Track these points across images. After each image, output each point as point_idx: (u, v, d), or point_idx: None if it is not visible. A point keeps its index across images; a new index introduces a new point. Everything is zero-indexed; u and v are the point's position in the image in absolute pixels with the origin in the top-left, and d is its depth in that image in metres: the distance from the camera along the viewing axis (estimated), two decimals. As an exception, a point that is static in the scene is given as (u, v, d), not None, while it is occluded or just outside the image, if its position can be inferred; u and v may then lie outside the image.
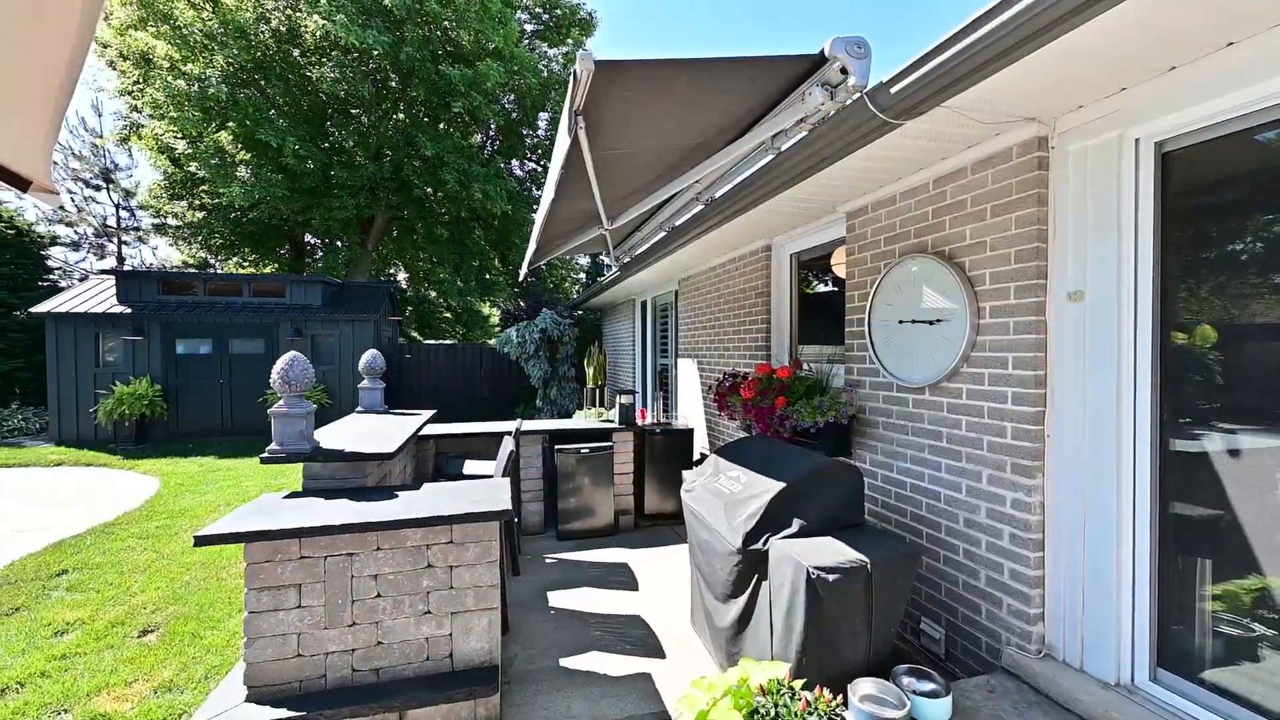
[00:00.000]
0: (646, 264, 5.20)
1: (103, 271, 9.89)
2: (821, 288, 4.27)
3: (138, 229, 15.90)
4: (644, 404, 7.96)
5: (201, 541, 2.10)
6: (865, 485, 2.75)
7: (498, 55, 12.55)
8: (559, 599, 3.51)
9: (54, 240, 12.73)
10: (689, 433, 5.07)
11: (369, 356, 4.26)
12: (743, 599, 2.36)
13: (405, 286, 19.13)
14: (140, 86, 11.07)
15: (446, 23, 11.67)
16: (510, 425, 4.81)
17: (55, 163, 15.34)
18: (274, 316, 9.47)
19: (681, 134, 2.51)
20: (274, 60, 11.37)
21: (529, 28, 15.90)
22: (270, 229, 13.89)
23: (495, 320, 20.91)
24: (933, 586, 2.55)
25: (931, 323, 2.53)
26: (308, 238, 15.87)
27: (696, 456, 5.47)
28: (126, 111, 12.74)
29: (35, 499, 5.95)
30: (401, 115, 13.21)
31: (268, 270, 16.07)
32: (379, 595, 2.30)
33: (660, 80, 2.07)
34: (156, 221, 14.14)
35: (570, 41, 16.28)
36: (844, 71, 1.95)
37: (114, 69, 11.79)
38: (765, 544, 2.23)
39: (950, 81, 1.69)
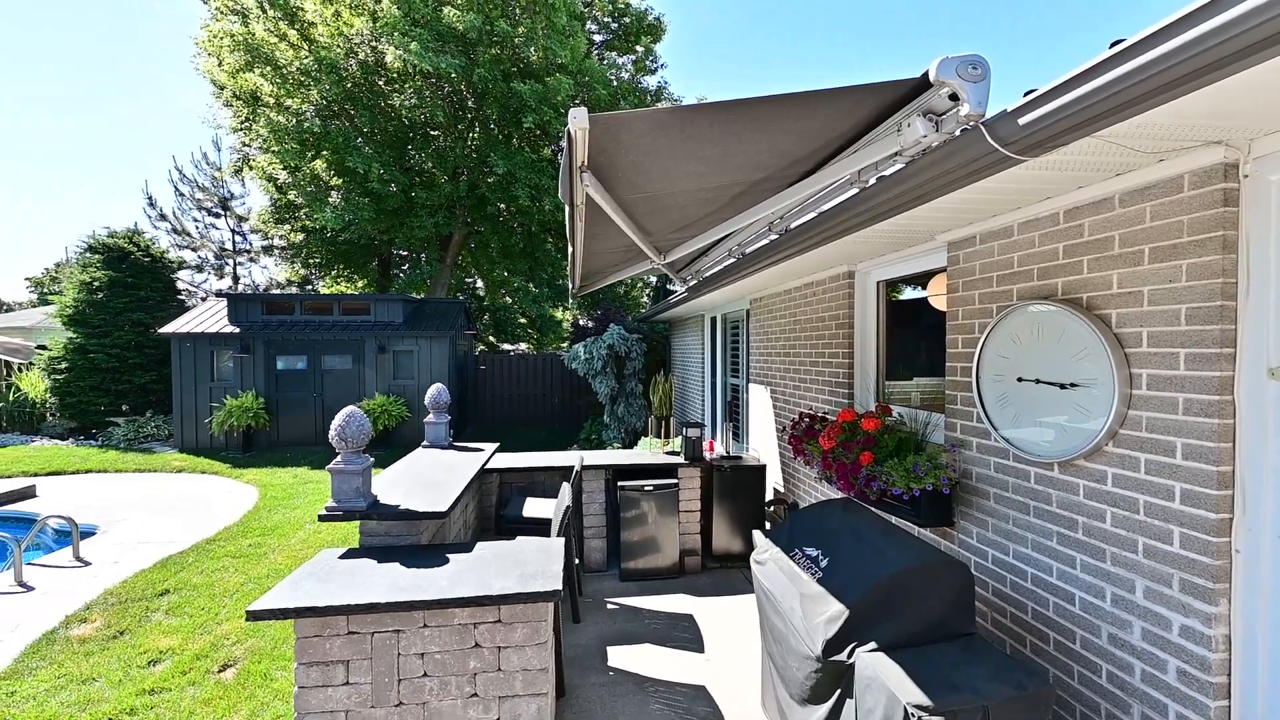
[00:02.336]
0: (714, 288, 4.89)
1: (217, 294, 10.97)
2: (913, 316, 3.79)
3: (249, 251, 17.67)
4: (712, 432, 7.64)
5: (254, 616, 2.08)
6: (973, 574, 2.32)
7: (566, 69, 12.65)
8: (619, 657, 3.30)
9: (181, 264, 14.41)
10: (761, 469, 4.71)
11: (434, 391, 4.28)
12: (823, 711, 2.03)
13: (483, 295, 19.89)
14: (249, 123, 12.20)
15: (517, 40, 11.89)
16: (573, 457, 4.68)
17: (182, 194, 17.43)
18: (360, 334, 10.05)
19: (735, 172, 2.22)
20: (361, 91, 12.12)
21: (597, 38, 15.97)
22: (360, 248, 14.89)
23: (568, 325, 21.31)
24: (1065, 708, 2.09)
25: (1064, 386, 2.07)
26: (394, 253, 16.88)
27: (769, 496, 5.09)
28: (239, 146, 14.12)
29: (157, 507, 6.59)
30: (476, 134, 13.67)
31: (360, 284, 17.27)
32: (425, 674, 2.20)
33: (679, 126, 1.82)
34: (265, 243, 15.67)
35: (640, 48, 16.19)
36: (954, 98, 1.59)
37: (229, 108, 13.09)
38: (851, 655, 1.89)
39: (1111, 109, 1.29)
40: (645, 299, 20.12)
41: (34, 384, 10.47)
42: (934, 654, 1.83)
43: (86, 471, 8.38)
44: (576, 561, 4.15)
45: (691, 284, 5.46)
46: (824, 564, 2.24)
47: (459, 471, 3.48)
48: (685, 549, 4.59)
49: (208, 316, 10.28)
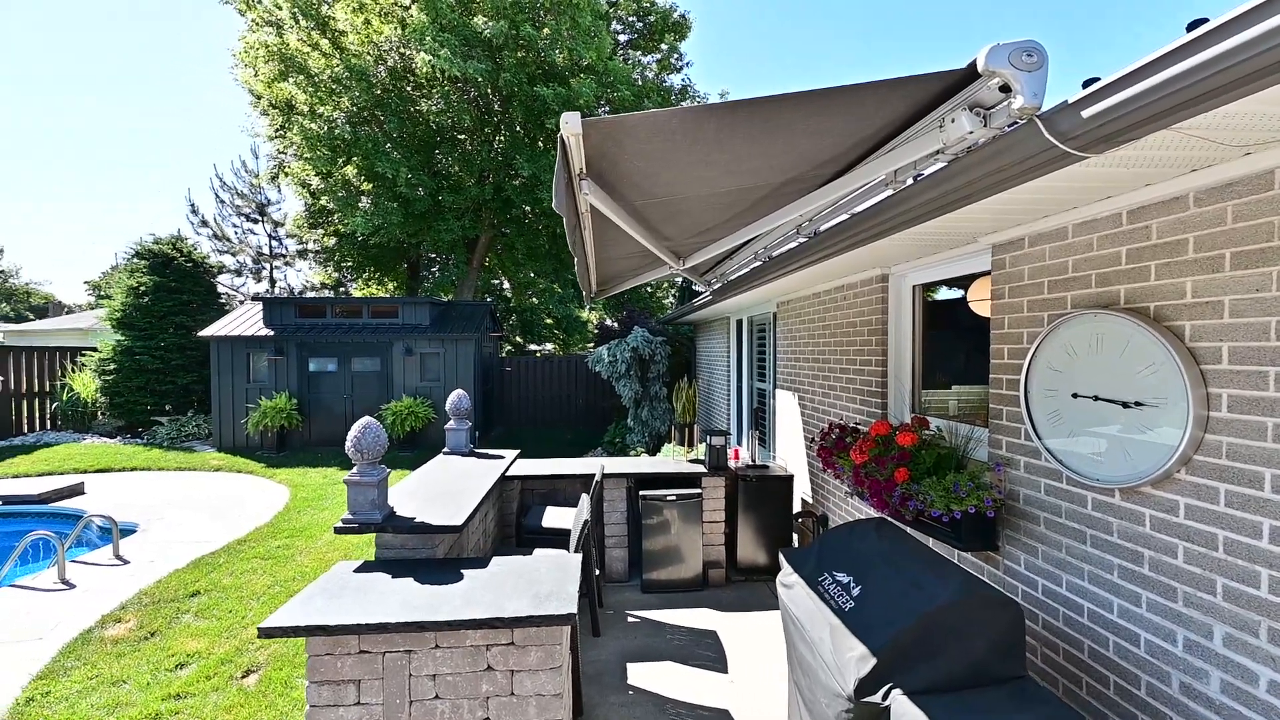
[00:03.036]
0: (738, 291, 4.74)
1: (253, 297, 11.29)
2: (953, 321, 3.58)
3: (285, 255, 18.25)
4: (738, 439, 7.46)
5: (265, 634, 2.05)
6: (1022, 609, 2.14)
7: (591, 70, 12.61)
8: (639, 674, 3.20)
9: (221, 269, 14.99)
10: (788, 480, 4.55)
11: (455, 398, 4.25)
12: (854, 754, 1.88)
13: (510, 297, 20.06)
14: (283, 131, 12.55)
15: (542, 43, 11.91)
16: (595, 465, 4.59)
17: (223, 201, 18.14)
18: (388, 336, 10.21)
19: (751, 175, 2.09)
20: (390, 97, 12.33)
21: (622, 38, 15.89)
22: (389, 251, 15.17)
23: (593, 327, 21.35)
24: (1126, 760, 1.89)
25: (1126, 404, 1.87)
26: (423, 256, 17.16)
27: (798, 508, 4.91)
28: (275, 153, 14.56)
29: (195, 506, 6.79)
30: (502, 138, 13.76)
31: (390, 287, 17.61)
32: (438, 697, 2.13)
33: (684, 131, 1.70)
34: (300, 248, 16.16)
35: (664, 46, 16.05)
36: (1005, 90, 1.43)
37: (266, 117, 13.51)
38: (886, 698, 1.74)
39: (1191, 100, 1.12)
40: (671, 300, 19.98)
41: (85, 384, 10.97)
42: (979, 701, 1.67)
43: (131, 469, 8.72)
44: (597, 572, 4.07)
45: (716, 287, 5.32)
46: (856, 592, 2.08)
47: (477, 481, 3.43)
48: (709, 561, 4.46)
49: (244, 320, 10.59)
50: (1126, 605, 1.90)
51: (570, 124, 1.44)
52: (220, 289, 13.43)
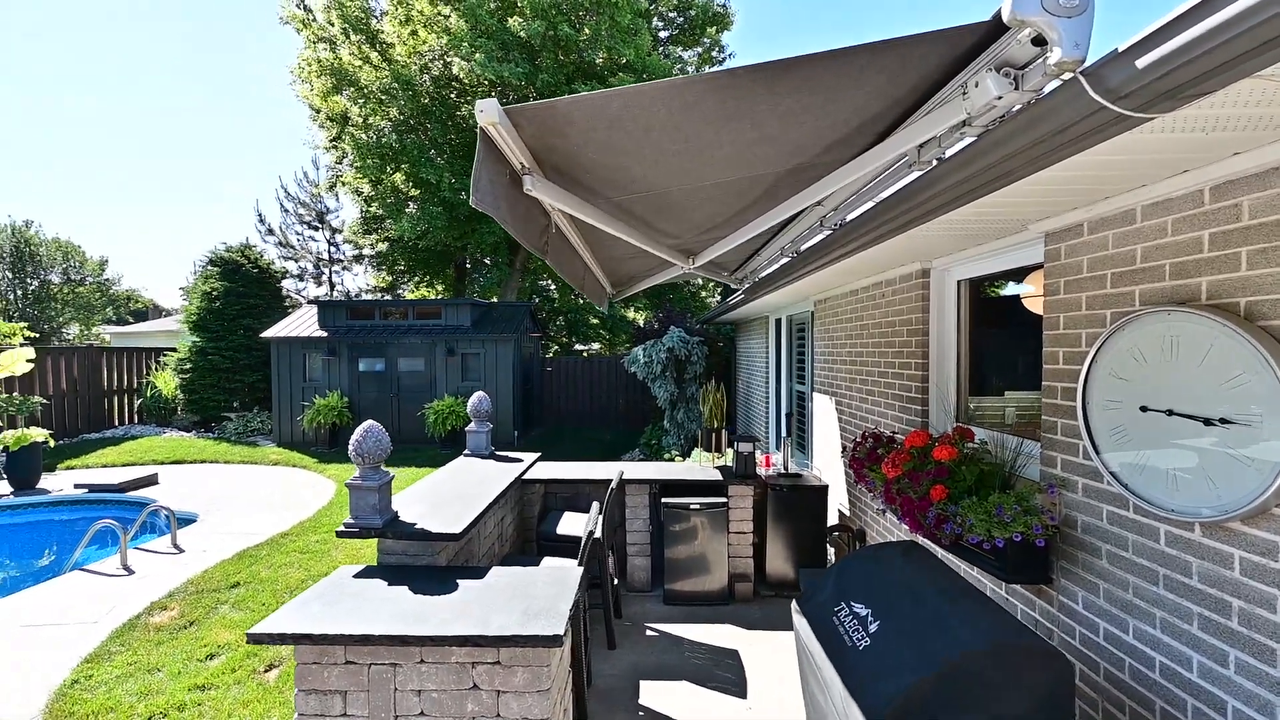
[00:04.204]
0: (768, 290, 4.49)
1: (310, 301, 11.90)
2: (1005, 320, 3.22)
3: (343, 260, 19.27)
4: (776, 444, 7.15)
5: (254, 640, 2.03)
6: (1080, 646, 1.83)
7: (630, 68, 12.52)
8: (651, 694, 3.04)
9: (285, 274, 15.96)
10: (822, 490, 4.25)
11: (475, 400, 4.23)
12: (866, 815, 1.65)
13: (555, 297, 20.31)
14: (337, 142, 13.19)
15: (581, 42, 11.92)
16: (615, 470, 4.46)
17: (287, 210, 19.34)
18: (431, 337, 10.50)
19: (743, 164, 1.88)
20: (434, 105, 12.71)
21: (663, 34, 15.70)
22: (437, 254, 15.68)
23: (642, 324, 21.32)
24: None
25: (1209, 421, 1.55)
26: (469, 259, 17.64)
27: (834, 520, 4.61)
28: (333, 164, 15.35)
29: (251, 498, 7.18)
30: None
31: (439, 289, 18.20)
32: (423, 713, 2.06)
33: (632, 114, 1.51)
34: (355, 253, 17.01)
35: (706, 39, 15.75)
36: (1039, 42, 1.18)
37: (323, 129, 14.25)
38: (899, 759, 1.51)
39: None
40: (715, 300, 19.63)
41: (166, 382, 11.90)
42: (1013, 771, 1.41)
43: (201, 462, 9.35)
44: (615, 582, 3.94)
45: (746, 286, 5.08)
46: (873, 628, 1.85)
47: (489, 486, 3.37)
48: (735, 574, 4.24)
49: (301, 322, 11.17)
50: (1209, 664, 1.58)
51: (486, 112, 1.29)
52: (285, 293, 14.28)
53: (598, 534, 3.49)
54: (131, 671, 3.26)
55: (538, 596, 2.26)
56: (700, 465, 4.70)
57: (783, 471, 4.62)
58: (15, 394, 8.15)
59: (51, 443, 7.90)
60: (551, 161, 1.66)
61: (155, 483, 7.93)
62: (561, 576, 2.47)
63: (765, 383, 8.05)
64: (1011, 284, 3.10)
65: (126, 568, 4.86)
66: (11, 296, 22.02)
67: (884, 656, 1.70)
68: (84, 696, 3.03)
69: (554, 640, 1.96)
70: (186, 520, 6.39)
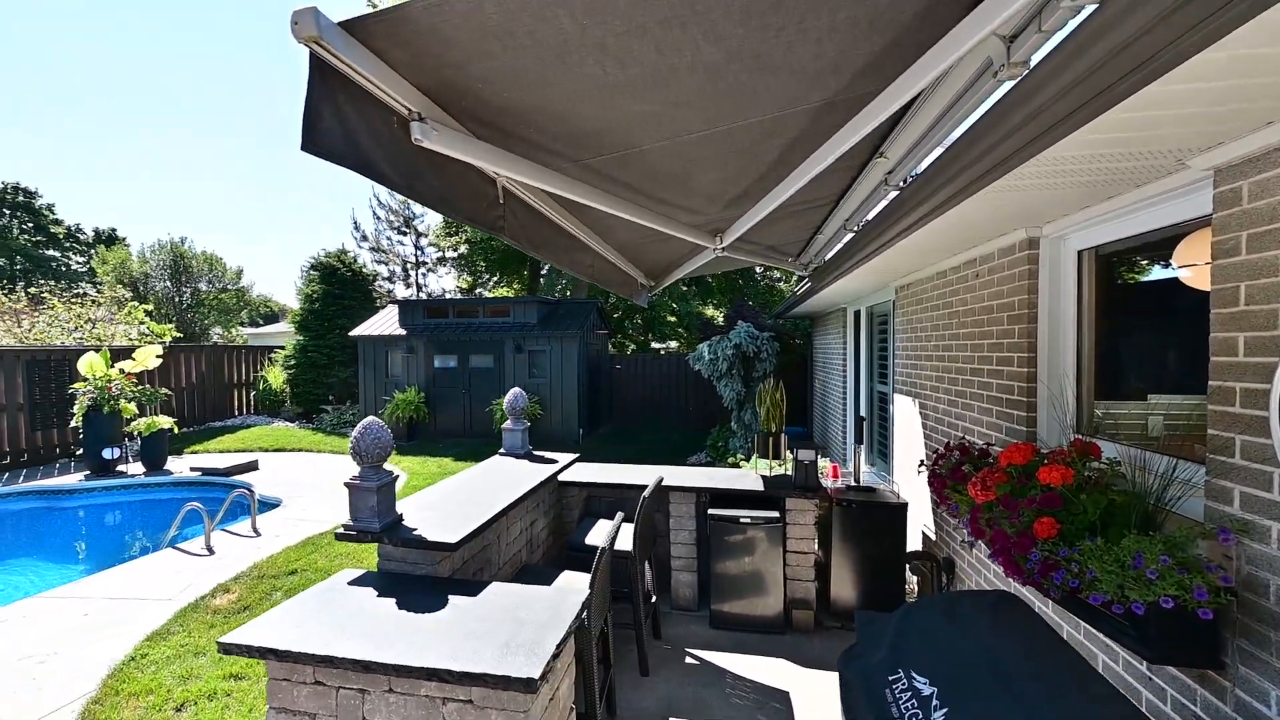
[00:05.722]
0: (835, 275, 3.90)
1: (391, 302, 12.59)
2: (1145, 300, 2.47)
3: (428, 263, 20.41)
4: (849, 451, 6.41)
5: (225, 650, 1.89)
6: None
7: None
8: (680, 738, 2.64)
9: (376, 277, 17.17)
10: (900, 509, 3.62)
11: (511, 397, 4.04)
12: None
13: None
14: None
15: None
16: (652, 476, 4.06)
17: (379, 217, 20.82)
18: (500, 334, 10.68)
19: (740, 101, 1.41)
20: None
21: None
22: (512, 255, 16.07)
23: (720, 322, 20.70)
24: None
25: None
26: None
27: (916, 544, 3.94)
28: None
29: (330, 487, 7.59)
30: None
31: (515, 288, 18.74)
32: (392, 750, 1.81)
33: (523, 22, 1.08)
34: (439, 255, 17.94)
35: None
36: None
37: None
38: None
39: None
40: (793, 293, 18.58)
41: (275, 377, 13.14)
42: None
43: (298, 450, 10.13)
44: (653, 599, 3.57)
45: (813, 269, 4.50)
46: (937, 717, 1.34)
47: (511, 490, 3.13)
48: (794, 599, 3.71)
49: (384, 321, 11.83)
50: None
51: (303, 24, 0.93)
52: (375, 294, 15.31)
53: (623, 547, 3.14)
54: (181, 654, 3.37)
55: (527, 624, 1.95)
56: (756, 472, 4.20)
57: (854, 484, 4.01)
58: (148, 386, 9.24)
59: (176, 429, 8.87)
60: (462, 104, 1.31)
61: (255, 468, 8.64)
62: (558, 602, 2.14)
63: (842, 383, 7.29)
64: (1145, 283, 2.36)
65: (209, 548, 5.21)
66: (172, 303, 25.41)
67: (951, 768, 1.20)
68: (134, 675, 3.15)
69: (527, 685, 1.63)
70: (272, 505, 6.85)
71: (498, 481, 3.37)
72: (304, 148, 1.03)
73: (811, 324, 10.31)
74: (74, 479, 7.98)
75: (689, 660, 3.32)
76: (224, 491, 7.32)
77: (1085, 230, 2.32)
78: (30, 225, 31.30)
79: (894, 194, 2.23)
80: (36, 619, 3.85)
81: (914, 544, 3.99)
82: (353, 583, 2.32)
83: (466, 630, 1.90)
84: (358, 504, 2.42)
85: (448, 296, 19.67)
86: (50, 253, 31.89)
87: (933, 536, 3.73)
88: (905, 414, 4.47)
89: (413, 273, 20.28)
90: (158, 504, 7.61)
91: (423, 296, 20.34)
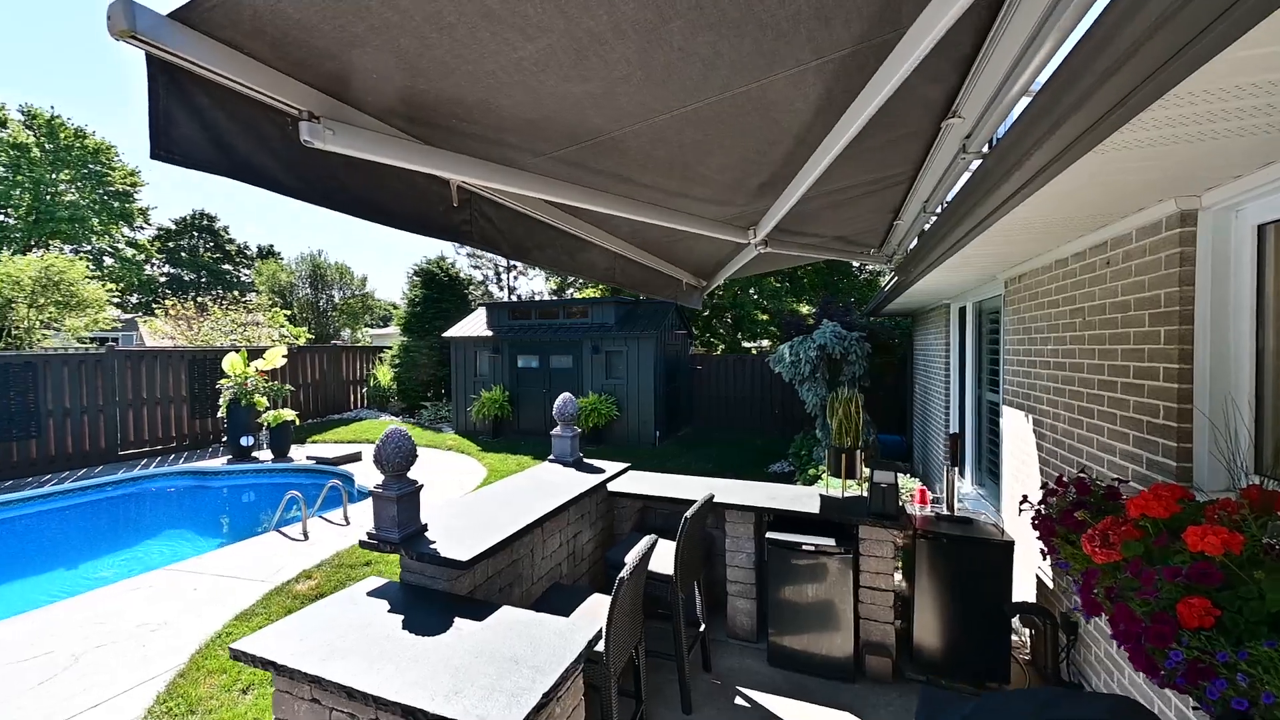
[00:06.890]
0: (922, 268, 3.33)
1: (480, 305, 13.20)
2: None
3: (518, 266, 21.39)
4: (956, 473, 5.60)
5: (235, 656, 1.91)
6: None
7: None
8: (717, 795, 2.34)
9: (470, 281, 18.18)
10: (1004, 548, 3.01)
11: (561, 402, 3.92)
12: None
13: (719, 293, 19.69)
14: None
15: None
16: (702, 491, 3.73)
17: None
18: (579, 335, 10.78)
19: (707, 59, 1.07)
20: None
21: None
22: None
23: (812, 320, 19.60)
24: None
25: None
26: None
27: (1027, 593, 3.28)
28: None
29: (419, 478, 8.05)
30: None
31: (601, 289, 18.98)
32: (377, 785, 1.71)
33: None
34: (530, 259, 18.78)
35: None
36: None
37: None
38: None
39: None
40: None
41: (384, 374, 14.36)
42: None
43: (398, 443, 10.94)
44: (702, 626, 3.27)
45: (899, 260, 3.93)
46: None
47: (544, 503, 2.99)
48: (868, 642, 3.23)
49: (473, 323, 12.44)
50: None
51: (115, 18, 0.77)
52: (469, 298, 16.22)
53: (660, 570, 2.88)
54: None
55: (523, 662, 1.77)
56: (826, 491, 3.73)
57: (947, 514, 3.43)
58: (276, 382, 10.44)
59: (298, 421, 9.93)
60: (369, 100, 1.12)
61: (359, 459, 9.43)
62: (568, 635, 1.93)
63: (944, 390, 6.42)
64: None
65: (305, 534, 5.67)
66: (313, 308, 28.79)
67: None
68: (216, 653, 3.42)
69: (500, 741, 1.44)
70: (366, 495, 7.38)
71: (538, 492, 3.25)
72: (152, 155, 0.90)
73: (912, 321, 9.29)
74: (219, 462, 9.19)
75: (739, 701, 2.99)
76: (328, 480, 8.05)
77: (1270, 197, 1.69)
78: (211, 244, 37.23)
79: (976, 164, 1.76)
80: (159, 589, 4.36)
81: (1025, 590, 3.32)
82: (371, 594, 2.28)
83: (456, 664, 1.76)
84: (380, 513, 2.39)
85: (534, 299, 20.46)
86: (225, 267, 37.74)
87: (1050, 585, 3.06)
88: (1016, 431, 3.76)
89: (504, 275, 21.38)
90: (276, 488, 8.53)
91: (511, 300, 21.38)
